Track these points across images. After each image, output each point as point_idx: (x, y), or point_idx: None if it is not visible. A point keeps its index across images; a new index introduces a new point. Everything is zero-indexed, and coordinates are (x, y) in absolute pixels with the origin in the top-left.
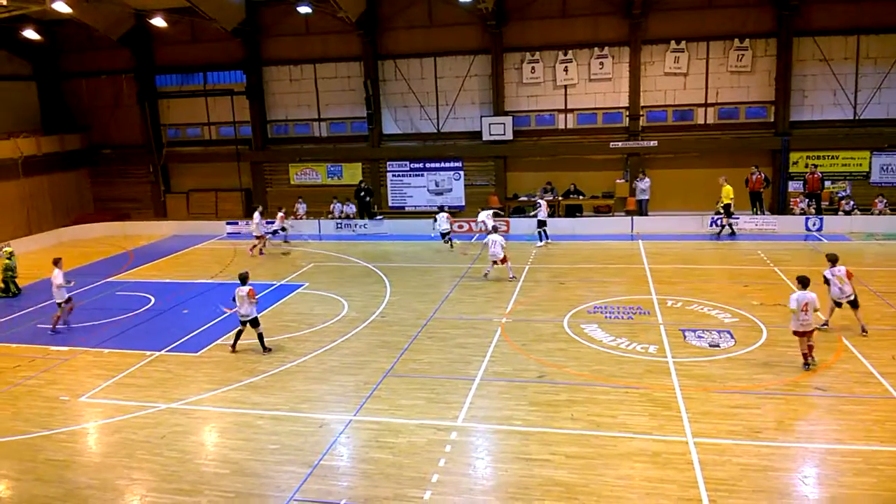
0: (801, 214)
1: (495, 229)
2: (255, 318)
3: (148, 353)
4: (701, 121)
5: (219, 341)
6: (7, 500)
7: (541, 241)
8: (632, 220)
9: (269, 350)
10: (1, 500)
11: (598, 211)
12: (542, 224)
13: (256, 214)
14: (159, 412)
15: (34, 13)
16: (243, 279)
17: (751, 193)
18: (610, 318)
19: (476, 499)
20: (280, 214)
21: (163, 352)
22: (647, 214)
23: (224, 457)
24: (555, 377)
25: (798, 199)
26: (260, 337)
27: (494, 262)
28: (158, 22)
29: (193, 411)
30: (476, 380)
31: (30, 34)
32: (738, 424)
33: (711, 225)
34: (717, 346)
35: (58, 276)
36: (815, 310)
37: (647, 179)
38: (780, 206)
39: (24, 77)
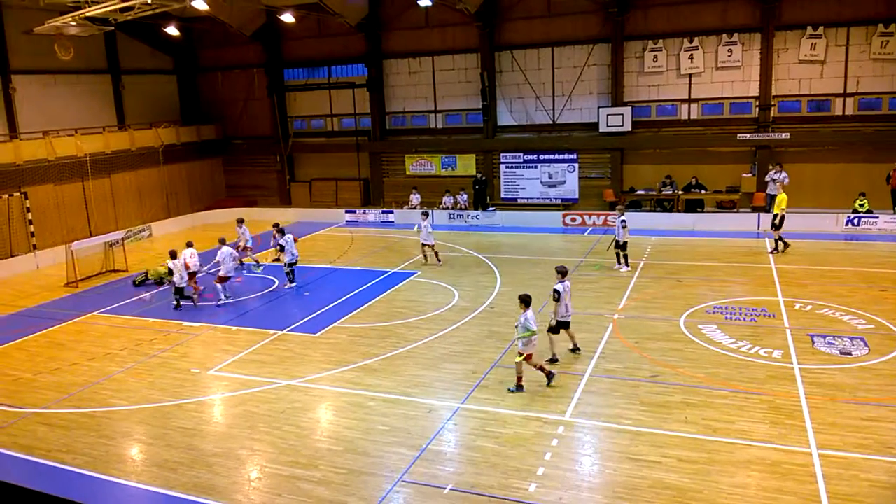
0: None
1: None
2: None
3: (272, 331)
4: (839, 112)
5: (336, 324)
6: (140, 463)
7: (625, 265)
8: (758, 216)
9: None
10: (134, 463)
11: (722, 206)
12: (620, 246)
13: (239, 228)
14: (280, 388)
15: (175, 10)
16: (223, 241)
17: (892, 191)
18: (731, 319)
19: (582, 495)
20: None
21: (285, 331)
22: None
23: (338, 434)
24: (668, 378)
25: None
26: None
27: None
28: (287, 18)
29: (311, 389)
30: (585, 375)
31: (171, 31)
32: (868, 438)
33: (847, 224)
34: (849, 353)
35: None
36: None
37: (783, 173)
38: None
39: (166, 71)
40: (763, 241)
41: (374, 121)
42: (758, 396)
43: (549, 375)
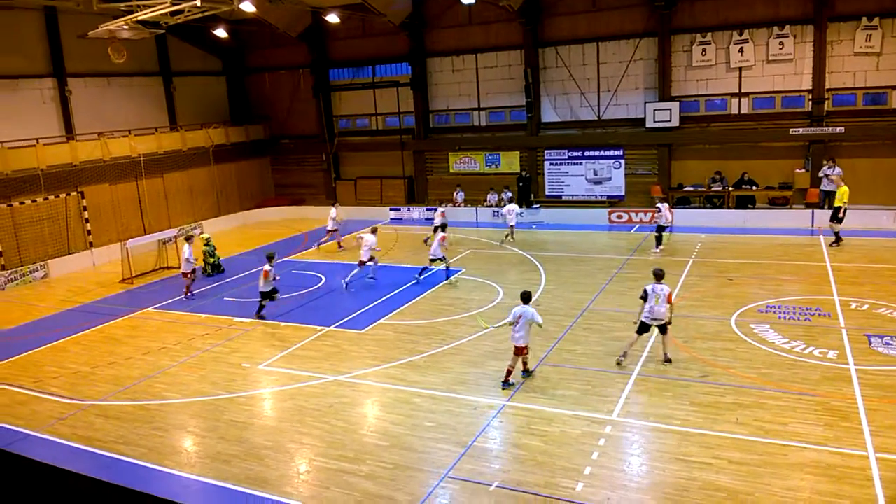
0: None
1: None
2: (267, 293)
3: (319, 327)
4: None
5: (381, 321)
6: (193, 455)
7: (658, 247)
8: (812, 213)
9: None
10: (188, 454)
11: (774, 203)
12: (661, 229)
13: (333, 209)
14: (327, 383)
15: (223, 13)
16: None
17: None
18: (784, 318)
19: (630, 496)
20: (440, 210)
21: (332, 327)
22: (831, 207)
23: (384, 430)
24: (719, 378)
25: None
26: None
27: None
28: (332, 18)
29: (358, 385)
30: (633, 374)
31: (220, 33)
32: None
33: None
34: None
35: (186, 251)
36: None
37: (837, 168)
38: None
39: (215, 73)
40: (817, 238)
41: (418, 119)
42: (812, 398)
43: (506, 382)
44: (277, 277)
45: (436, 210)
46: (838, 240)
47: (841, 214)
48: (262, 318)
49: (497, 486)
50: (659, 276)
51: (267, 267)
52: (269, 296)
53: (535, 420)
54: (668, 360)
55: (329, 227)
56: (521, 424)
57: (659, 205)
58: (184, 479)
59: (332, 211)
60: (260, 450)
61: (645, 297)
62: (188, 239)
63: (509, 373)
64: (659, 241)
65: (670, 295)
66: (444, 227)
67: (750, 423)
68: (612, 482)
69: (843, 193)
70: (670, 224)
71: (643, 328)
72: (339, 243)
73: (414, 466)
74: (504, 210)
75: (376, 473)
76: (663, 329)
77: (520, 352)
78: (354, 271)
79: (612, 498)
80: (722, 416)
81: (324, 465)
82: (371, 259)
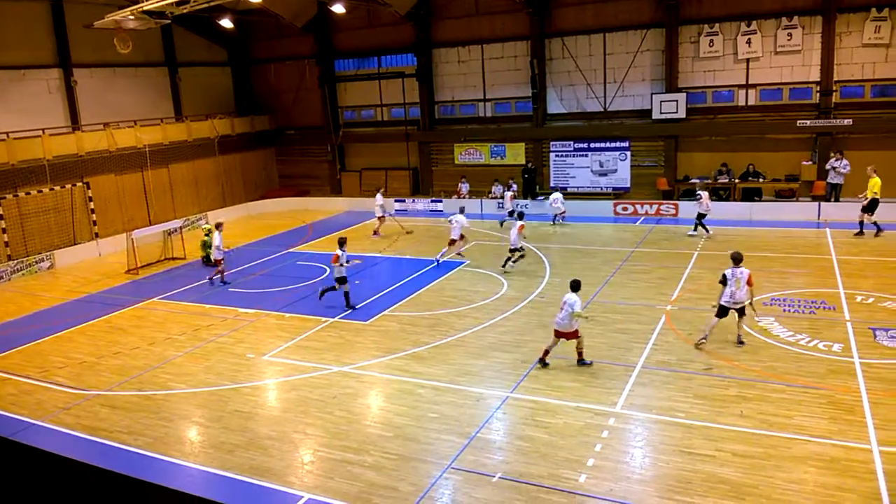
0: None
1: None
2: (341, 278)
3: (323, 319)
4: None
5: (386, 312)
6: (197, 445)
7: (695, 231)
8: (819, 205)
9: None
10: (192, 444)
11: (780, 195)
12: (700, 217)
13: (379, 195)
14: (332, 374)
15: (229, 3)
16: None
17: None
18: (789, 311)
19: (633, 487)
20: (509, 193)
21: (336, 319)
22: (838, 200)
23: (388, 421)
24: (724, 371)
25: None
26: (346, 295)
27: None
28: (338, 9)
29: (362, 376)
30: (637, 367)
31: (225, 23)
32: None
33: None
34: None
35: (216, 238)
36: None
37: (844, 161)
38: None
39: (220, 63)
40: (823, 230)
41: (423, 110)
42: (817, 391)
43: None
44: (346, 263)
45: (505, 192)
46: (863, 231)
47: (866, 204)
48: (352, 307)
49: (500, 478)
50: (737, 259)
51: (338, 251)
52: (342, 281)
53: (539, 412)
54: (741, 343)
55: (378, 214)
56: (525, 416)
57: (700, 192)
58: (188, 468)
59: (378, 197)
60: (264, 440)
61: (724, 282)
62: (217, 227)
63: (546, 353)
64: (695, 226)
65: (750, 277)
66: (521, 215)
67: (754, 415)
68: (616, 474)
69: (874, 184)
70: (708, 212)
71: (722, 312)
72: (375, 230)
73: (417, 457)
74: (550, 200)
75: (380, 464)
76: (741, 311)
77: (557, 335)
78: (444, 249)
79: (615, 489)
80: (726, 408)
81: (327, 456)
82: (461, 238)
